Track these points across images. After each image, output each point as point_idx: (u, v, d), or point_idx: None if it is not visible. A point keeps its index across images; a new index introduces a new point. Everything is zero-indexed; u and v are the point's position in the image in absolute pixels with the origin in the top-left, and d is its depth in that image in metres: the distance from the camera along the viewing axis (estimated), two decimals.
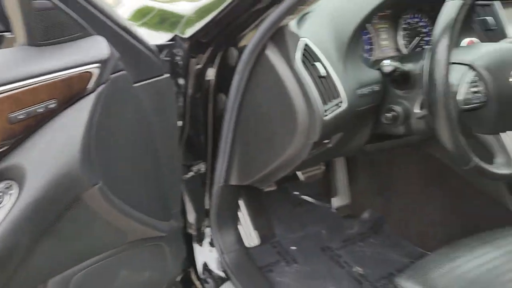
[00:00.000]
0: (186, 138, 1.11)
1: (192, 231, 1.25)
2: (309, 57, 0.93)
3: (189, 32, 1.03)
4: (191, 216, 1.24)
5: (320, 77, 0.92)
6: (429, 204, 1.48)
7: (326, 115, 0.91)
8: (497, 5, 1.24)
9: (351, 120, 0.99)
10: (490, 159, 0.90)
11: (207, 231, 1.27)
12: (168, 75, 0.95)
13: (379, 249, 1.53)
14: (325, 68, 0.93)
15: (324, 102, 0.92)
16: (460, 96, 0.82)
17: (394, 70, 0.93)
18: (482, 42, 1.18)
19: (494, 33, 1.20)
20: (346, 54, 0.97)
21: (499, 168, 0.89)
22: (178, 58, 1.04)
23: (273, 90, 0.96)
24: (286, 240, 1.57)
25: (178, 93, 1.05)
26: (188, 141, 1.13)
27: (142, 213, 0.92)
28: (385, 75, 0.97)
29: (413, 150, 1.43)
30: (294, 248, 1.54)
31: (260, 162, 1.08)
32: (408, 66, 0.95)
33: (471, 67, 0.84)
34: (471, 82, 0.83)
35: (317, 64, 0.92)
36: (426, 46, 1.20)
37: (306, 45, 0.93)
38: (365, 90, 0.97)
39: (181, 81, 1.06)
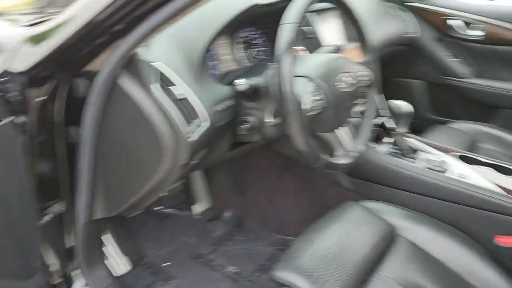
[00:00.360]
0: (38, 179, 1.01)
1: (58, 279, 1.14)
2: (165, 81, 0.94)
3: (23, 64, 0.92)
4: (55, 264, 1.13)
5: (179, 99, 0.94)
6: (283, 194, 1.65)
7: (191, 136, 0.94)
8: (311, 16, 1.44)
9: (213, 136, 1.04)
10: (331, 152, 1.07)
11: (75, 273, 1.17)
12: (10, 118, 0.84)
13: (246, 245, 1.65)
14: (182, 90, 0.95)
15: (187, 124, 0.94)
16: (306, 105, 0.95)
17: (248, 88, 1.01)
18: (304, 47, 1.36)
19: (313, 40, 1.40)
20: (200, 74, 1.01)
21: (339, 159, 1.06)
22: (13, 94, 0.93)
23: (133, 118, 0.94)
24: (157, 258, 1.56)
25: (22, 132, 0.94)
26: (42, 182, 1.02)
27: (3, 279, 0.81)
28: (239, 92, 1.05)
29: (263, 148, 1.56)
30: (167, 264, 1.54)
31: (127, 192, 1.05)
32: (255, 80, 1.05)
33: (310, 79, 0.98)
34: (313, 92, 0.97)
35: (174, 87, 0.94)
36: (262, 56, 1.33)
37: (160, 69, 0.93)
38: (221, 106, 1.03)
39: (21, 119, 0.95)
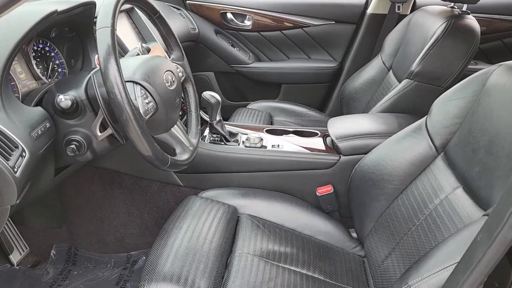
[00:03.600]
0: None
1: None
2: None
3: None
4: None
5: None
6: (114, 210, 1.55)
7: (17, 171, 0.80)
8: None
9: (36, 166, 0.90)
10: (172, 152, 1.07)
11: None
12: None
13: (88, 276, 1.50)
14: None
15: (7, 159, 0.79)
16: (140, 110, 0.91)
17: (71, 103, 0.91)
18: None
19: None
20: (2, 101, 0.85)
21: (181, 156, 1.07)
22: None
23: None
24: None
25: None
26: None
27: None
28: (59, 110, 0.93)
29: (80, 170, 1.43)
30: None
31: None
32: (73, 94, 0.95)
33: (135, 82, 0.94)
34: (142, 96, 0.94)
35: None
36: (61, 70, 1.21)
37: None
38: (38, 131, 0.90)
39: None
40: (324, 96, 2.47)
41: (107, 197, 1.53)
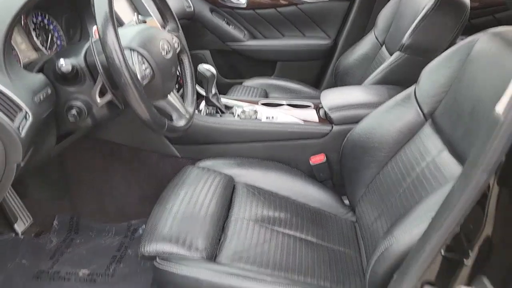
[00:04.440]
0: None
1: None
2: None
3: None
4: None
5: None
6: (114, 180, 1.59)
7: (21, 132, 0.84)
8: None
9: (39, 131, 0.94)
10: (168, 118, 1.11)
11: None
12: None
13: (90, 244, 1.55)
14: None
15: (12, 119, 0.83)
16: (138, 75, 0.95)
17: (71, 68, 0.94)
18: None
19: None
20: (5, 66, 0.89)
21: (178, 122, 1.11)
22: None
23: None
24: None
25: None
26: None
27: None
28: (60, 75, 0.96)
29: (82, 141, 1.46)
30: None
31: None
32: (72, 62, 0.98)
33: (132, 49, 0.98)
34: (139, 62, 0.97)
35: None
36: (59, 42, 1.24)
37: None
38: (40, 96, 0.93)
39: None
40: (319, 72, 2.50)
41: (107, 169, 1.58)
